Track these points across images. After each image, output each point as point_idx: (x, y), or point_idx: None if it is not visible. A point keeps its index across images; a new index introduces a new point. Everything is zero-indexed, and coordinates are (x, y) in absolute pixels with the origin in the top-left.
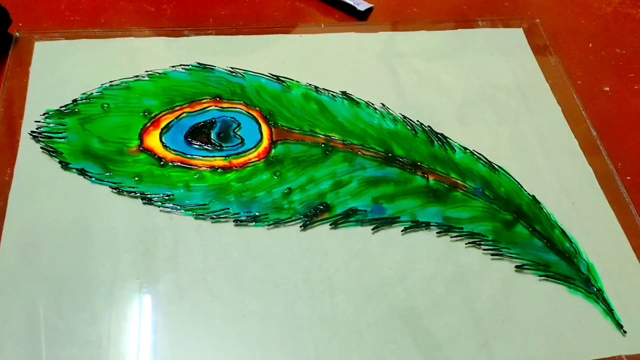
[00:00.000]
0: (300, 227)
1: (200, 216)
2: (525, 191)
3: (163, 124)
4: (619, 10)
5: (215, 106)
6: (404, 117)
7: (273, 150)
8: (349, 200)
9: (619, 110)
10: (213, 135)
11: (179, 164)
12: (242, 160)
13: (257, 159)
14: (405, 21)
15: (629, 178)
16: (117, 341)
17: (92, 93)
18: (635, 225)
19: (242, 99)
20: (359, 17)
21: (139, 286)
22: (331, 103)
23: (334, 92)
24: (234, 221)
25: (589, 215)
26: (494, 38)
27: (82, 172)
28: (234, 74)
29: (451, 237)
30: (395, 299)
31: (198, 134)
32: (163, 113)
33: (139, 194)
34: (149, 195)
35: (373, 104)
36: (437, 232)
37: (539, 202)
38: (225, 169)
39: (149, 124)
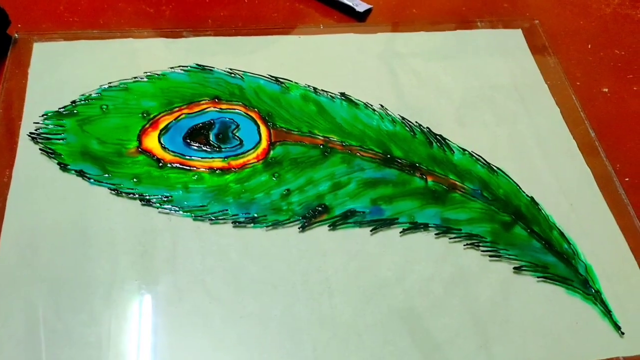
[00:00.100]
0: (299, 228)
1: (199, 217)
2: (524, 192)
3: (162, 126)
4: (618, 11)
5: (214, 107)
6: (403, 118)
7: (272, 152)
8: (348, 202)
9: (617, 111)
10: (212, 137)
11: (177, 165)
12: (240, 161)
13: (255, 160)
14: (404, 22)
15: (627, 179)
16: (116, 342)
17: (90, 94)
18: (633, 226)
19: (241, 100)
20: (358, 18)
21: (137, 287)
22: (330, 104)
23: (332, 94)
24: (232, 222)
25: (587, 217)
26: (492, 39)
27: (80, 174)
28: (232, 75)
29: (450, 239)
30: (394, 300)
31: (197, 135)
32: (162, 114)
33: (137, 195)
34: (147, 197)
35: (372, 105)
36: (436, 234)
37: (537, 204)
38: (224, 171)
39: (147, 126)
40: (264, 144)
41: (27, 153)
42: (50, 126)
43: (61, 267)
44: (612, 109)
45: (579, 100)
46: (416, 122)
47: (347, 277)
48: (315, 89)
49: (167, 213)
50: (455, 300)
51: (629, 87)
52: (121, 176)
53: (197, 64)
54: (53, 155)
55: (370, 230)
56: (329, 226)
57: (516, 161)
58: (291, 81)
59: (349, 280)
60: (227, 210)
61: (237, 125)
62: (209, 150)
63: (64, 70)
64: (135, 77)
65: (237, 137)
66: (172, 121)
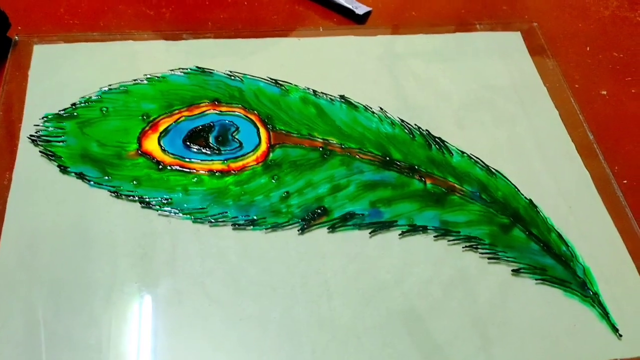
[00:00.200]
0: (298, 230)
1: (199, 220)
2: (522, 195)
3: (161, 128)
4: (616, 13)
5: (214, 110)
6: (402, 120)
7: (271, 154)
8: (347, 204)
9: (616, 114)
10: (211, 139)
11: (177, 167)
12: (240, 164)
13: (255, 162)
14: (403, 25)
15: (625, 182)
16: (116, 344)
17: (91, 97)
18: (631, 228)
19: (241, 103)
20: (358, 21)
21: (137, 290)
22: (329, 107)
23: (332, 96)
24: (232, 225)
25: (585, 219)
26: (491, 41)
27: (80, 176)
28: (232, 77)
29: (448, 241)
30: (393, 303)
31: (196, 137)
32: (161, 117)
33: (137, 198)
34: (147, 199)
35: (371, 108)
36: (435, 236)
37: (535, 206)
38: (224, 173)
39: (147, 128)
40: (263, 146)
41: (27, 155)
42: (51, 129)
43: (61, 269)
44: (611, 111)
45: (577, 103)
46: (415, 124)
47: (346, 279)
48: (314, 91)
49: (167, 215)
50: (454, 302)
51: (628, 90)
52: (121, 178)
53: (197, 67)
54: (53, 158)
55: (369, 233)
56: (328, 229)
57: (515, 163)
58: (291, 84)
59: (348, 283)
60: (226, 212)
61: (237, 128)
62: (208, 152)
63: (64, 73)
64: (135, 80)
65: (237, 139)
66: (171, 124)
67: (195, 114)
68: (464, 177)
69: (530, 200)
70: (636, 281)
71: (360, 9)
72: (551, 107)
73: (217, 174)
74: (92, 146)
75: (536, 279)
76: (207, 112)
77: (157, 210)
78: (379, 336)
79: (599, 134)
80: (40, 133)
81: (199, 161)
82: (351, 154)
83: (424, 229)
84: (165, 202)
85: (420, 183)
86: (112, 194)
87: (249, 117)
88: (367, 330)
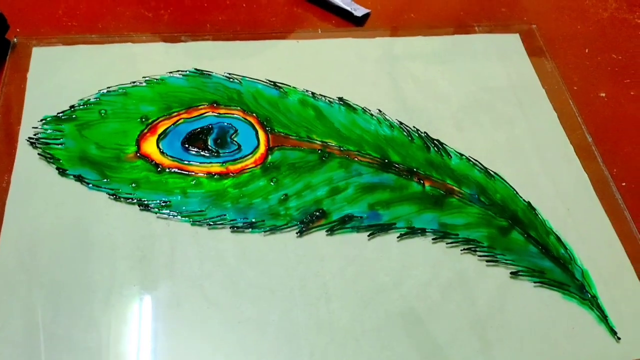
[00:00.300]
0: (297, 233)
1: (197, 223)
2: (521, 197)
3: (160, 130)
4: (615, 15)
5: (212, 112)
6: (401, 123)
7: (270, 157)
8: (345, 207)
9: (614, 116)
10: (210, 142)
11: (176, 170)
12: (239, 166)
13: (253, 165)
14: (402, 27)
15: (624, 184)
16: (114, 347)
17: (89, 99)
18: (630, 231)
19: (239, 105)
20: (356, 23)
21: (136, 292)
22: (328, 109)
23: (330, 98)
24: (230, 228)
25: (584, 222)
26: (490, 44)
27: (79, 179)
28: (231, 79)
29: (447, 244)
30: (391, 306)
31: (195, 140)
32: (160, 119)
33: (136, 201)
34: (146, 202)
35: (370, 110)
36: (433, 239)
37: (534, 209)
38: (222, 175)
39: (146, 130)
40: (262, 148)
41: (25, 158)
42: (49, 131)
43: (60, 271)
44: (609, 113)
45: (576, 105)
46: (414, 126)
47: (345, 282)
48: (313, 93)
49: (166, 218)
50: (452, 305)
51: (626, 92)
52: (119, 181)
53: (196, 69)
54: (52, 160)
55: (368, 235)
56: (326, 231)
57: (513, 166)
58: (289, 86)
59: (347, 286)
60: (225, 215)
61: (236, 130)
62: (207, 155)
63: (62, 75)
64: (133, 82)
65: (236, 142)
66: (170, 126)
67: (194, 117)
68: (463, 179)
69: (529, 203)
70: (634, 284)
71: (359, 11)
72: (550, 109)
73: (215, 176)
74: (90, 148)
75: (534, 282)
76: (206, 114)
77: (156, 213)
78: (377, 339)
79: (598, 136)
80: (39, 135)
81: (197, 164)
82: (350, 157)
83: (422, 232)
84: (163, 204)
85: (419, 185)
86: (111, 197)
87: (247, 120)
88: (365, 333)
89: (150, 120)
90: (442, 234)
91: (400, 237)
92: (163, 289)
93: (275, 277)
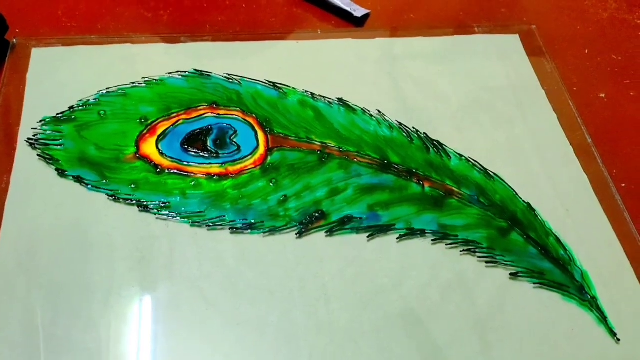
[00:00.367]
0: (296, 234)
1: (196, 224)
2: (520, 198)
3: (159, 131)
4: (615, 16)
5: (212, 113)
6: (400, 123)
7: (269, 158)
8: (345, 208)
9: (614, 116)
10: (209, 142)
11: (175, 171)
12: (238, 167)
13: (253, 166)
14: (402, 27)
15: (623, 185)
16: (113, 348)
17: (88, 100)
18: (629, 232)
19: (239, 106)
20: (356, 24)
21: (135, 293)
22: (327, 110)
23: (330, 99)
24: (229, 229)
25: (583, 223)
26: (490, 44)
27: (78, 180)
28: (230, 80)
29: (446, 245)
30: (391, 307)
31: (194, 141)
32: (159, 120)
33: (135, 202)
34: (145, 203)
35: (369, 111)
36: (432, 240)
37: (533, 210)
38: (222, 176)
39: (145, 131)
40: (261, 149)
41: (25, 159)
42: (48, 132)
43: (59, 272)
44: (609, 114)
45: (575, 106)
46: (413, 127)
47: (344, 283)
48: (312, 94)
49: (165, 219)
50: (452, 306)
51: (626, 93)
52: (119, 182)
53: (195, 70)
54: (51, 161)
55: (367, 237)
56: (326, 232)
57: (513, 166)
58: (289, 86)
59: (346, 287)
60: (224, 216)
61: (235, 131)
62: (206, 156)
63: (62, 76)
64: (133, 83)
65: (235, 142)
66: (169, 127)
67: (193, 117)
68: (462, 180)
69: (528, 204)
70: (634, 285)
71: (359, 12)
72: (549, 110)
73: (215, 177)
74: (89, 149)
75: (534, 283)
76: (205, 115)
77: (155, 214)
78: (376, 340)
79: (597, 137)
80: (38, 136)
81: (196, 164)
82: (349, 157)
83: (421, 233)
84: (163, 205)
85: (418, 186)
86: (110, 198)
87: (247, 120)
88: (364, 334)
89: (149, 121)
90: (442, 235)
91: (400, 238)
92: (162, 290)
93: (274, 278)
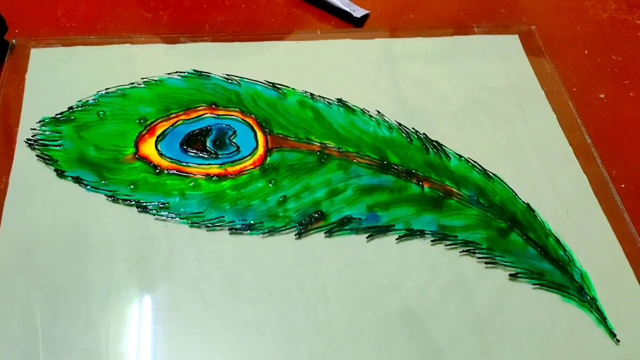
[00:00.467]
0: (295, 235)
1: (196, 224)
2: (520, 199)
3: (159, 132)
4: (614, 16)
5: (211, 113)
6: (400, 124)
7: (268, 158)
8: (344, 208)
9: (614, 117)
10: (209, 143)
11: (174, 171)
12: (237, 168)
13: (252, 166)
14: (401, 28)
15: (623, 186)
16: (113, 349)
17: (87, 100)
18: (629, 233)
19: (238, 106)
20: (355, 24)
21: (134, 294)
22: (327, 110)
23: (329, 99)
24: (229, 229)
25: (583, 223)
26: (490, 45)
27: (77, 180)
28: (229, 81)
29: (445, 246)
30: (390, 307)
31: (194, 141)
32: (159, 120)
33: (134, 202)
34: (144, 203)
35: (369, 111)
36: (432, 241)
37: (533, 210)
38: (221, 177)
39: (144, 132)
40: (260, 150)
41: (24, 159)
42: (47, 132)
43: (58, 273)
44: (609, 114)
45: (575, 106)
46: (413, 128)
47: (344, 284)
48: (312, 94)
49: (164, 220)
50: (451, 307)
51: (626, 93)
52: (118, 183)
53: (195, 70)
54: (50, 162)
55: (367, 237)
56: (325, 233)
57: (512, 167)
58: (288, 87)
59: (345, 287)
60: (223, 217)
61: (234, 132)
62: (205, 156)
63: (61, 76)
64: (132, 83)
65: (234, 143)
66: (169, 127)
67: (193, 118)
68: (462, 181)
69: (528, 205)
70: (634, 286)
71: (358, 12)
72: (549, 111)
73: (214, 178)
74: (89, 150)
75: (534, 284)
76: (205, 115)
77: (154, 215)
78: (376, 341)
79: (597, 138)
80: (37, 137)
81: (196, 165)
82: (348, 158)
83: (421, 234)
84: (162, 206)
85: (418, 187)
86: (109, 198)
87: (246, 121)
88: (364, 335)
89: (148, 122)
90: (441, 235)
91: (399, 238)
92: (161, 291)
93: (273, 279)
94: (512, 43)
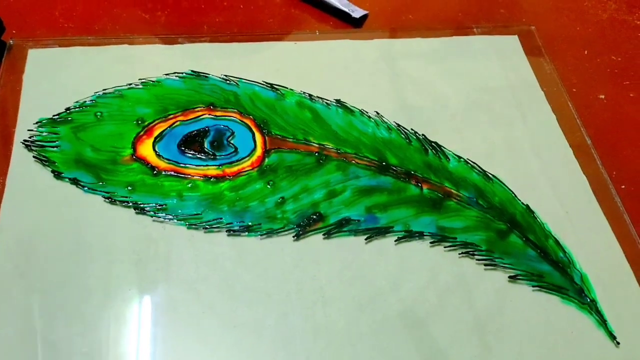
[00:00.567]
0: (293, 237)
1: (193, 226)
2: (519, 200)
3: (156, 133)
4: (614, 16)
5: (209, 114)
6: (398, 125)
7: (266, 159)
8: (343, 210)
9: (614, 118)
10: (206, 144)
11: (172, 173)
12: (235, 169)
13: (250, 168)
14: (400, 28)
15: (623, 187)
16: (110, 351)
17: (85, 101)
18: (629, 234)
19: (236, 107)
20: (354, 24)
21: (131, 296)
22: (325, 111)
23: (328, 100)
24: (226, 231)
25: (583, 225)
26: (489, 45)
27: (74, 181)
28: (227, 81)
29: (445, 247)
30: (389, 310)
31: (191, 142)
32: (156, 121)
33: (131, 204)
34: (141, 205)
35: (367, 112)
36: (431, 242)
37: (532, 212)
38: (219, 178)
39: (142, 133)
40: (259, 151)
41: (21, 160)
42: (45, 133)
43: (55, 275)
44: (609, 115)
45: (575, 107)
46: (412, 129)
47: (342, 286)
48: (310, 95)
49: (161, 221)
50: (450, 309)
51: (626, 94)
52: (115, 184)
53: (192, 71)
54: (47, 163)
55: (365, 239)
56: (323, 235)
57: (512, 168)
58: (286, 88)
59: (344, 289)
60: (221, 218)
61: (232, 133)
62: (203, 157)
63: (58, 77)
64: (130, 84)
65: (232, 144)
66: (166, 128)
67: (190, 119)
68: (461, 182)
69: (527, 206)
70: (634, 288)
71: (357, 12)
72: (548, 111)
73: (212, 179)
74: (86, 151)
75: (533, 286)
76: (202, 116)
77: (152, 216)
78: (374, 343)
79: (597, 138)
80: (34, 138)
81: (193, 166)
82: (347, 159)
83: (420, 235)
84: (159, 207)
85: (417, 188)
86: (107, 200)
87: (244, 122)
88: (362, 337)
89: (146, 123)
90: (440, 237)
91: (398, 240)
92: (159, 293)
93: (271, 281)
94: (511, 43)
